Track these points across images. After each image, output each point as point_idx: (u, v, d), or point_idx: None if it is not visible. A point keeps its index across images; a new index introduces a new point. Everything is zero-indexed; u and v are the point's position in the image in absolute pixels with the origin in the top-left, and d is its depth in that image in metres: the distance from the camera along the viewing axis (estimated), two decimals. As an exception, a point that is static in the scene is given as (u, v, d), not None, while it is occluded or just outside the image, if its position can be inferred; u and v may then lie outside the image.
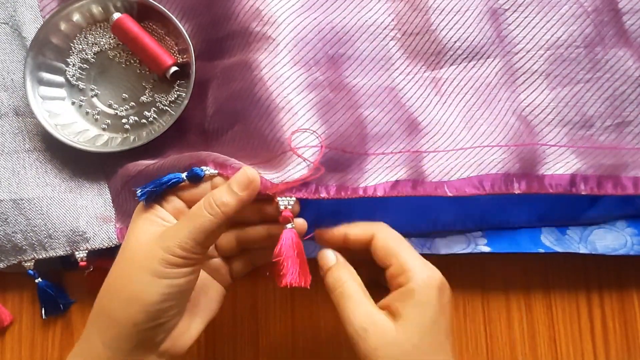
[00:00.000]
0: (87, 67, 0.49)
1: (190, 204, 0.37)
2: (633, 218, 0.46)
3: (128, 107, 0.48)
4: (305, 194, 0.39)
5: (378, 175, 0.42)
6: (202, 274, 0.40)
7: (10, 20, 0.48)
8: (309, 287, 0.37)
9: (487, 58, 0.46)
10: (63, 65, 0.48)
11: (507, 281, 0.48)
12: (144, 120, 0.48)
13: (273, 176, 0.38)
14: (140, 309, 0.33)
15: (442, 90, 0.45)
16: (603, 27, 0.46)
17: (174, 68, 0.46)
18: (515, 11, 0.46)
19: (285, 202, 0.38)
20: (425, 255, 0.37)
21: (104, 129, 0.48)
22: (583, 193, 0.43)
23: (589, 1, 0.46)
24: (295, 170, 0.38)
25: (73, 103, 0.48)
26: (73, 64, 0.48)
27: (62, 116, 0.48)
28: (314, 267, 0.38)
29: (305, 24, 0.43)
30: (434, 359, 0.34)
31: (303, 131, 0.40)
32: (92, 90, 0.48)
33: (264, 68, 0.41)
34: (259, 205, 0.39)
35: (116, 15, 0.46)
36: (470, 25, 0.46)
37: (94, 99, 0.49)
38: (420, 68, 0.45)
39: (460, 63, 0.46)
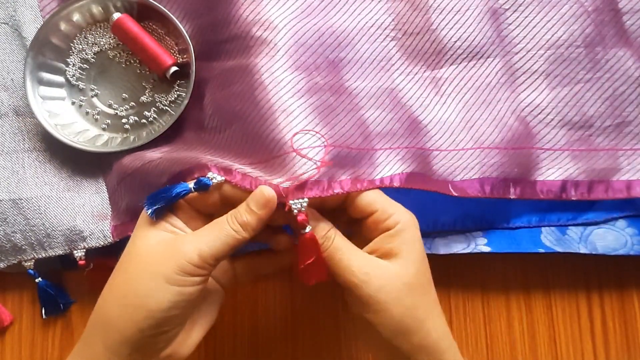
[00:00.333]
0: (87, 67, 0.49)
1: (196, 206, 0.37)
2: (633, 218, 0.46)
3: (128, 107, 0.48)
4: (317, 192, 0.38)
5: (392, 167, 0.41)
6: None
7: (10, 20, 0.48)
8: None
9: (487, 58, 0.46)
10: (63, 65, 0.48)
11: (507, 281, 0.48)
12: (144, 120, 0.48)
13: (280, 180, 0.38)
14: (147, 315, 0.33)
15: (441, 90, 0.45)
16: (603, 27, 0.46)
17: (174, 68, 0.46)
18: (515, 11, 0.46)
19: (299, 205, 0.37)
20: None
21: (104, 129, 0.48)
22: (573, 198, 0.44)
23: (589, 1, 0.46)
24: (302, 170, 0.38)
25: (73, 103, 0.48)
26: (73, 64, 0.48)
27: (62, 116, 0.48)
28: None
29: (305, 29, 0.42)
30: (430, 287, 0.37)
31: (305, 132, 0.39)
32: (92, 90, 0.48)
33: (265, 73, 0.41)
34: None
35: (116, 15, 0.46)
36: (471, 25, 0.46)
37: (94, 99, 0.49)
38: (420, 68, 0.45)
39: (460, 63, 0.46)
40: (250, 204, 0.36)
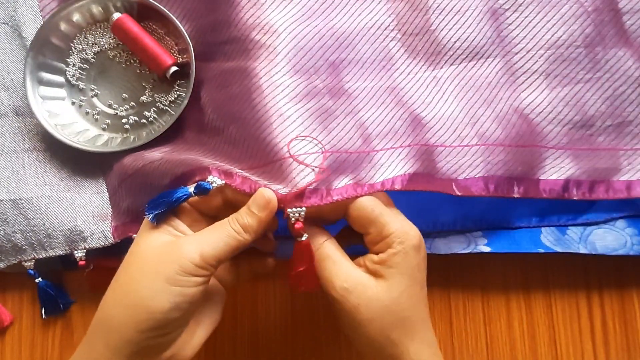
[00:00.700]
0: (87, 67, 0.49)
1: (199, 209, 0.37)
2: (633, 218, 0.46)
3: (128, 107, 0.48)
4: (316, 200, 0.37)
5: (394, 168, 0.41)
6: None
7: (10, 20, 0.48)
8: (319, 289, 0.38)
9: (487, 58, 0.46)
10: (63, 65, 0.48)
11: (507, 281, 0.48)
12: (144, 120, 0.48)
13: (279, 187, 0.37)
14: (148, 316, 0.33)
15: (443, 89, 0.45)
16: (603, 27, 0.46)
17: (174, 68, 0.46)
18: (515, 11, 0.46)
19: (297, 215, 0.37)
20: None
21: (104, 129, 0.48)
22: (575, 198, 0.44)
23: (589, 1, 0.46)
24: (300, 177, 0.37)
25: (73, 103, 0.48)
26: (73, 64, 0.48)
27: (62, 116, 0.48)
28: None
29: (305, 32, 0.42)
30: (413, 312, 0.36)
31: (302, 138, 0.39)
32: (92, 90, 0.48)
33: (263, 76, 0.41)
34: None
35: (116, 15, 0.46)
36: (470, 25, 0.46)
37: (94, 99, 0.49)
38: (421, 68, 0.45)
39: (461, 63, 0.46)
40: (251, 206, 0.36)
